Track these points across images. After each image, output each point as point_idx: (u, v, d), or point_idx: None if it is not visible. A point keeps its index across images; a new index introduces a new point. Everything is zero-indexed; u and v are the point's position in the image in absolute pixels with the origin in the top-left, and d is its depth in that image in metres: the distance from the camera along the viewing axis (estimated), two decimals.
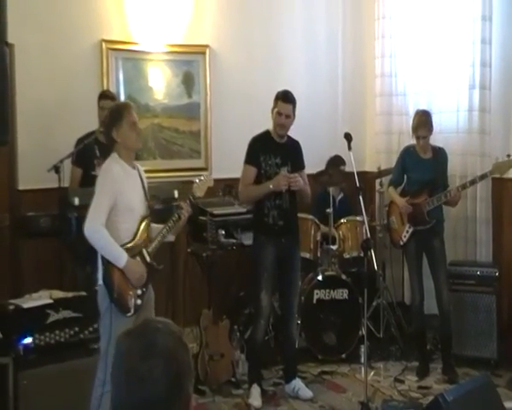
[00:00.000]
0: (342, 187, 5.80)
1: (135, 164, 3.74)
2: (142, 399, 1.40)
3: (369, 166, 6.31)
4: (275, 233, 4.50)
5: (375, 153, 6.29)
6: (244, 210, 5.05)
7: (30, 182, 5.03)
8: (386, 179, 5.52)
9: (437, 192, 4.84)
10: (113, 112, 3.71)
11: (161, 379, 1.40)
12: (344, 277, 5.28)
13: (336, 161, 5.74)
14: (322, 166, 5.70)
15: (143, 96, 5.58)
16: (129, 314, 3.51)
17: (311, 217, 5.33)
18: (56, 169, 4.56)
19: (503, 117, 5.22)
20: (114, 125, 3.59)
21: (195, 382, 4.36)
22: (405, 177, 5.08)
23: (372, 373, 4.94)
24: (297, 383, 4.63)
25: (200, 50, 5.80)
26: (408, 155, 5.03)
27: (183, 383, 1.45)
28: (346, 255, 5.46)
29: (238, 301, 5.45)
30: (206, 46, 5.81)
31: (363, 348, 4.73)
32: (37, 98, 5.11)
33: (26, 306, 3.68)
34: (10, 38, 4.02)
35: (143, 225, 3.64)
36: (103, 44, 5.38)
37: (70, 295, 3.93)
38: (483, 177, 4.80)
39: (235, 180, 4.71)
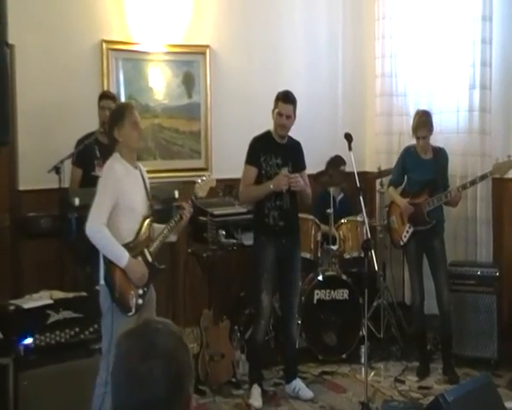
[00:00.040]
0: (343, 187, 5.80)
1: (137, 164, 3.75)
2: (143, 399, 1.40)
3: (370, 167, 6.31)
4: (275, 234, 4.50)
5: (375, 153, 6.29)
6: (244, 210, 5.05)
7: (30, 182, 5.03)
8: (386, 180, 5.52)
9: (437, 192, 4.84)
10: (116, 112, 3.74)
11: (161, 380, 1.40)
12: (344, 277, 5.28)
13: (336, 162, 5.75)
14: (322, 167, 5.70)
15: (144, 96, 5.58)
16: (130, 314, 3.51)
17: (311, 217, 5.33)
18: (57, 170, 4.56)
19: (504, 117, 5.22)
20: (116, 124, 3.61)
21: (196, 382, 4.36)
22: (406, 177, 5.08)
23: (372, 373, 4.93)
24: (297, 384, 4.63)
25: (200, 51, 5.80)
26: (408, 155, 5.03)
27: (184, 383, 1.45)
28: (347, 256, 5.46)
29: (238, 301, 5.45)
30: (207, 46, 5.81)
31: (363, 349, 4.74)
32: (38, 99, 5.12)
33: (26, 306, 3.68)
34: (11, 39, 4.02)
35: (145, 224, 3.65)
36: (103, 45, 5.38)
37: (70, 295, 3.93)
38: (483, 177, 4.79)
39: (236, 180, 4.71)
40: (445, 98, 5.57)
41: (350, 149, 4.39)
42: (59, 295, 3.91)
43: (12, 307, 3.67)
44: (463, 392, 2.49)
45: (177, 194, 4.72)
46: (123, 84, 5.52)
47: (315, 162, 5.32)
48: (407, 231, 4.97)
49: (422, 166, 4.93)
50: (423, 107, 5.42)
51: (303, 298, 5.10)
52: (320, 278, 5.25)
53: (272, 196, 4.46)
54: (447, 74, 5.56)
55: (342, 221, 5.49)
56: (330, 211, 5.31)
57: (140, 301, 3.57)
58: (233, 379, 4.75)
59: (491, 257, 5.26)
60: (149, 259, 3.65)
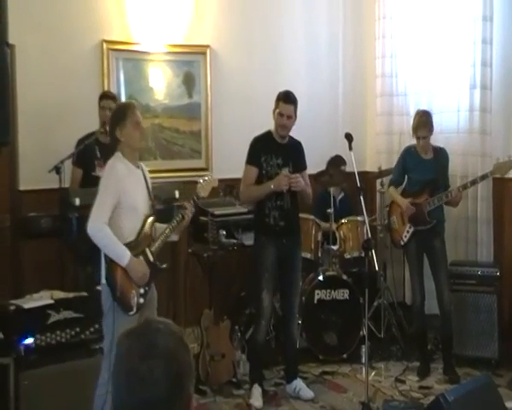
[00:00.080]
0: (343, 187, 5.80)
1: (139, 163, 3.75)
2: (143, 399, 1.40)
3: (370, 167, 6.31)
4: (276, 234, 4.50)
5: (375, 153, 6.29)
6: (245, 210, 5.05)
7: (31, 182, 5.03)
8: (386, 179, 5.52)
9: (438, 192, 4.84)
10: (118, 111, 3.74)
11: (162, 379, 1.40)
12: (345, 277, 5.28)
13: (337, 161, 5.75)
14: (322, 167, 5.70)
15: (144, 96, 5.58)
16: (131, 313, 3.51)
17: (311, 217, 5.33)
18: (57, 170, 4.56)
19: (504, 117, 5.22)
20: (118, 124, 3.61)
21: (196, 382, 4.36)
22: (406, 177, 5.08)
23: (373, 373, 4.93)
24: (298, 384, 4.63)
25: (200, 51, 5.81)
26: (409, 155, 5.03)
27: (184, 383, 1.45)
28: (347, 255, 5.45)
29: (239, 301, 5.45)
30: (207, 46, 5.81)
31: (364, 349, 4.74)
32: (38, 99, 5.12)
33: (27, 306, 3.68)
34: (11, 39, 4.03)
35: (147, 224, 3.65)
36: (104, 45, 5.38)
37: (71, 295, 3.93)
38: (484, 177, 4.79)
39: (236, 180, 4.71)
40: (446, 98, 5.57)
41: (350, 148, 4.39)
42: (59, 295, 3.91)
43: (12, 307, 3.67)
44: (464, 392, 2.49)
45: (177, 194, 4.72)
46: (123, 84, 5.52)
47: (315, 162, 5.31)
48: (407, 231, 4.97)
49: (423, 166, 4.93)
50: (424, 107, 5.42)
51: (303, 298, 5.11)
52: (320, 277, 5.25)
53: (273, 196, 4.46)
54: (448, 74, 5.55)
55: (343, 221, 5.49)
56: (331, 211, 5.31)
57: (141, 300, 3.58)
58: (233, 379, 4.75)
59: (492, 257, 5.26)
60: (151, 258, 3.65)
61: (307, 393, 4.58)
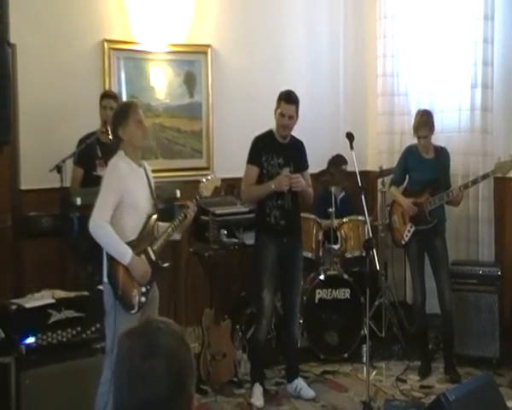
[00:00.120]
0: (344, 186, 5.80)
1: (141, 162, 3.76)
2: (144, 398, 1.40)
3: (371, 166, 6.30)
4: (276, 233, 4.50)
5: (376, 153, 6.28)
6: (246, 210, 5.05)
7: (32, 182, 5.03)
8: (387, 179, 5.51)
9: (439, 192, 4.84)
10: (120, 110, 3.75)
11: (163, 379, 1.40)
12: (346, 276, 5.28)
13: (338, 161, 5.75)
14: (323, 166, 5.70)
15: (145, 95, 5.58)
16: (133, 312, 3.52)
17: (312, 216, 5.33)
18: (58, 169, 4.56)
19: (506, 116, 5.22)
20: (121, 123, 3.62)
21: (197, 382, 4.35)
22: (407, 176, 5.08)
23: (374, 373, 4.93)
24: (299, 383, 4.63)
25: (201, 50, 5.80)
26: (410, 154, 5.03)
27: (185, 382, 1.45)
28: (348, 255, 5.45)
29: (240, 300, 5.45)
30: (208, 46, 5.81)
31: (365, 348, 4.75)
32: (39, 98, 5.12)
33: (28, 305, 3.68)
34: (12, 38, 4.05)
35: (150, 222, 3.66)
36: (105, 44, 5.38)
37: (72, 294, 3.93)
38: (485, 176, 4.79)
39: (237, 180, 4.71)
40: (447, 97, 5.56)
41: (351, 148, 4.38)
42: (60, 294, 3.91)
43: (14, 307, 3.67)
44: (465, 391, 2.49)
45: (178, 193, 4.71)
46: (124, 83, 5.52)
47: (316, 161, 5.32)
48: (408, 231, 4.97)
49: (424, 166, 4.92)
50: (425, 106, 5.42)
51: (304, 297, 5.11)
52: (322, 277, 5.25)
53: (274, 195, 4.46)
54: (449, 73, 5.55)
55: (344, 220, 5.49)
56: (332, 210, 5.31)
57: (143, 298, 3.58)
58: (234, 379, 4.75)
59: (493, 256, 5.26)
60: (153, 257, 3.66)
61: (308, 392, 4.58)
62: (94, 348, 3.82)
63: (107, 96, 4.95)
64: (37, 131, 5.10)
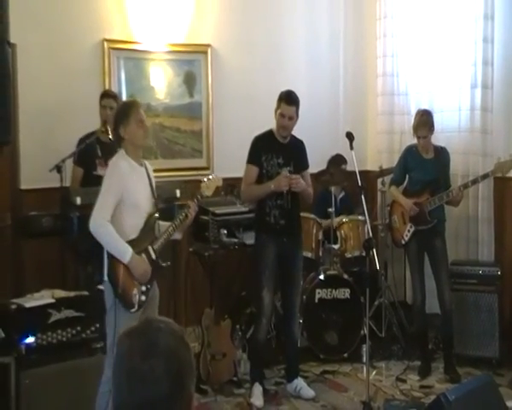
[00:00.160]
0: (344, 186, 5.80)
1: (142, 161, 3.76)
2: (144, 398, 1.40)
3: (371, 166, 6.31)
4: (276, 232, 4.50)
5: (376, 152, 6.29)
6: (246, 209, 5.04)
7: (32, 181, 5.03)
8: (387, 179, 5.52)
9: (439, 192, 4.84)
10: (121, 109, 3.75)
11: (163, 378, 1.40)
12: (346, 276, 5.28)
13: (337, 160, 5.75)
14: (323, 166, 5.70)
15: (145, 95, 5.57)
16: (133, 310, 3.52)
17: (312, 216, 5.33)
18: (58, 169, 4.56)
19: (505, 116, 5.21)
20: (122, 122, 3.62)
21: (197, 381, 4.36)
22: (407, 176, 5.08)
23: (374, 373, 4.94)
24: (299, 383, 4.63)
25: (201, 50, 5.80)
26: (410, 154, 5.03)
27: (185, 382, 1.45)
28: (348, 255, 5.45)
29: (240, 300, 5.44)
30: (208, 46, 5.81)
31: (364, 348, 4.75)
32: (39, 98, 5.12)
33: (28, 305, 3.68)
34: (12, 38, 4.04)
35: (150, 222, 3.66)
36: (105, 44, 5.38)
37: (72, 294, 3.93)
38: (485, 176, 4.79)
39: (237, 180, 4.71)
40: (447, 97, 5.56)
41: (351, 147, 4.38)
42: (60, 294, 3.91)
43: (14, 306, 3.67)
44: (465, 391, 2.49)
45: (178, 193, 4.72)
46: (124, 83, 5.52)
47: (316, 161, 5.31)
48: (408, 231, 4.97)
49: (424, 166, 4.92)
50: (425, 106, 5.42)
51: (304, 297, 5.11)
52: (321, 277, 5.25)
53: (273, 195, 4.46)
54: (449, 73, 5.55)
55: (344, 220, 5.49)
56: (331, 210, 5.31)
57: (143, 297, 3.58)
58: (234, 378, 4.76)
59: (493, 256, 5.26)
60: (153, 256, 3.66)
61: (308, 392, 4.58)
62: (94, 348, 3.82)
63: (106, 95, 4.95)
64: (37, 130, 5.10)
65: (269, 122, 4.59)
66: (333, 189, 5.43)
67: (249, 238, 4.87)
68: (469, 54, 5.28)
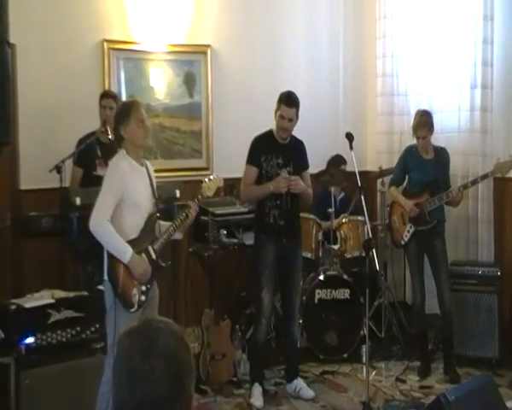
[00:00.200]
0: (343, 186, 5.80)
1: (143, 161, 3.76)
2: (144, 398, 1.40)
3: (371, 166, 6.31)
4: (276, 233, 4.50)
5: (376, 153, 6.28)
6: (246, 210, 5.04)
7: (32, 182, 5.03)
8: (387, 179, 5.52)
9: (438, 192, 4.84)
10: (122, 109, 3.76)
11: (163, 379, 1.41)
12: (345, 277, 5.28)
13: (337, 161, 5.75)
14: (323, 166, 5.70)
15: (145, 96, 5.57)
16: (132, 310, 3.52)
17: (312, 216, 5.33)
18: (58, 169, 4.56)
19: (505, 117, 5.22)
20: (122, 122, 3.62)
21: (197, 382, 4.36)
22: (407, 177, 5.08)
23: (374, 373, 4.94)
24: (298, 383, 4.63)
25: (201, 50, 5.80)
26: (410, 155, 5.03)
27: (185, 382, 1.45)
28: (348, 255, 5.45)
29: (240, 300, 5.44)
30: (208, 46, 5.81)
31: (364, 348, 4.74)
32: (39, 98, 5.12)
33: (27, 305, 3.68)
34: (12, 38, 4.04)
35: (150, 221, 3.66)
36: (105, 44, 5.39)
37: (72, 294, 3.93)
38: (485, 177, 4.79)
39: (237, 180, 4.71)
40: (447, 98, 5.56)
41: (351, 148, 4.38)
42: (60, 294, 3.91)
43: (13, 307, 3.67)
44: (465, 391, 2.49)
45: (178, 193, 4.72)
46: (124, 83, 5.52)
47: (316, 162, 5.30)
48: (408, 231, 4.97)
49: (424, 166, 4.93)
50: (424, 106, 5.42)
51: (304, 298, 5.11)
52: (321, 277, 5.25)
53: (273, 195, 4.46)
54: (448, 74, 5.55)
55: (343, 221, 5.49)
56: (331, 210, 5.31)
57: (143, 297, 3.58)
58: (234, 379, 4.75)
59: (493, 257, 5.26)
60: (153, 256, 3.66)
61: (308, 392, 4.58)
62: (93, 348, 3.82)
63: (106, 96, 4.95)
64: (36, 131, 5.10)
65: (268, 122, 4.59)
66: (332, 189, 5.43)
67: (249, 239, 4.87)
68: (469, 54, 5.28)
